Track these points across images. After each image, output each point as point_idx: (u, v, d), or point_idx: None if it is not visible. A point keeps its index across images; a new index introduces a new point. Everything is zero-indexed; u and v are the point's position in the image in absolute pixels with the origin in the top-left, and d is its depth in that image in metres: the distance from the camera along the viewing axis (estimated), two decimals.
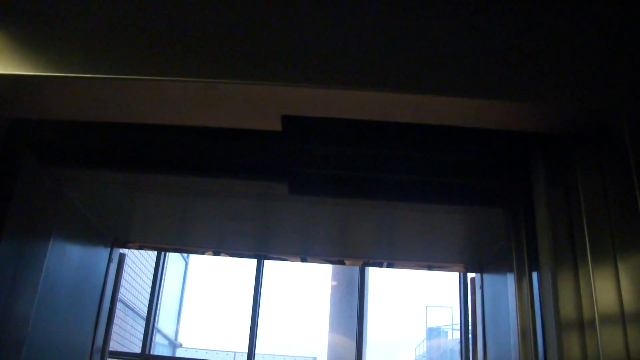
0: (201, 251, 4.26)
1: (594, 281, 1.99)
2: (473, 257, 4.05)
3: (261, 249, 4.23)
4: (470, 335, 4.35)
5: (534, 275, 2.54)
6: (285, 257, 4.29)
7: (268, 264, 6.26)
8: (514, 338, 2.57)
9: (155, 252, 6.79)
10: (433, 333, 27.52)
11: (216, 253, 4.19)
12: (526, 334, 2.45)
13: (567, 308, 2.08)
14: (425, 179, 2.85)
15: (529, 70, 2.13)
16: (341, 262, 4.35)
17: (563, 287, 2.13)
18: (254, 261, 6.21)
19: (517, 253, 2.62)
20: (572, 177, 2.19)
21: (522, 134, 2.36)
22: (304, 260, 4.22)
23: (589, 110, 2.08)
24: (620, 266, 1.96)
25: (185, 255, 11.93)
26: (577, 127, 2.18)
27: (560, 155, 2.29)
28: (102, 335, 3.97)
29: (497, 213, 3.09)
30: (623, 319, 1.91)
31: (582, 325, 2.01)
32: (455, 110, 2.19)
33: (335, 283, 8.87)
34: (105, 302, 3.96)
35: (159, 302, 6.87)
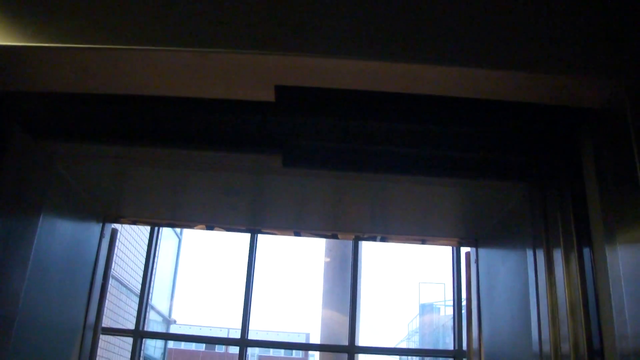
0: (194, 226, 4.23)
1: None
2: (468, 231, 4.04)
3: (255, 223, 4.20)
4: (464, 311, 4.34)
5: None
6: (278, 232, 4.26)
7: (262, 242, 6.24)
8: (562, 312, 2.53)
9: (148, 230, 6.75)
10: (426, 309, 27.90)
11: (209, 228, 4.16)
12: (575, 309, 2.42)
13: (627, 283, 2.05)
14: (428, 153, 2.82)
15: (572, 44, 2.10)
16: (334, 237, 4.33)
17: (617, 263, 2.10)
18: (247, 238, 6.18)
19: (564, 229, 2.58)
20: (623, 153, 2.14)
21: (552, 108, 2.33)
22: (297, 234, 4.19)
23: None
24: None
25: (178, 232, 11.95)
26: (627, 101, 2.13)
27: (610, 130, 2.25)
28: (94, 311, 3.94)
29: (510, 187, 3.09)
30: None
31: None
32: (489, 84, 2.17)
33: (328, 259, 8.87)
34: (97, 278, 3.93)
35: (153, 278, 6.85)
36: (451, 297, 5.64)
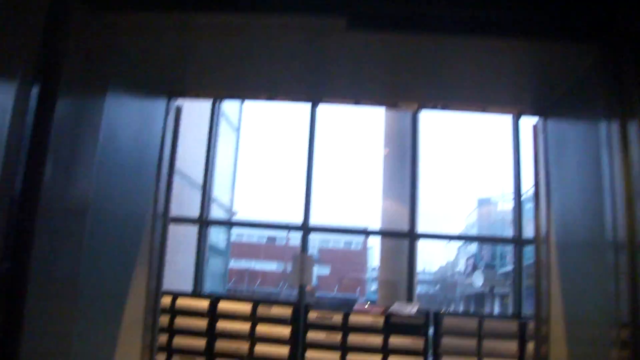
0: (256, 96, 4.23)
1: None
2: (533, 99, 3.80)
3: (314, 92, 4.16)
4: (533, 192, 4.07)
5: None
6: (338, 100, 4.19)
7: (320, 135, 6.22)
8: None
9: (208, 123, 6.86)
10: (483, 203, 27.91)
11: (270, 98, 4.15)
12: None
13: None
14: (492, 13, 2.68)
15: None
16: (395, 105, 4.26)
17: None
18: (305, 127, 6.20)
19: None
20: None
21: None
22: (357, 103, 4.10)
23: None
24: None
25: (236, 127, 12.04)
26: None
27: None
28: (162, 200, 3.99)
29: (581, 50, 2.86)
30: None
31: None
32: None
33: (387, 150, 8.81)
34: (164, 159, 3.94)
35: (214, 169, 6.99)
36: (509, 191, 5.59)
